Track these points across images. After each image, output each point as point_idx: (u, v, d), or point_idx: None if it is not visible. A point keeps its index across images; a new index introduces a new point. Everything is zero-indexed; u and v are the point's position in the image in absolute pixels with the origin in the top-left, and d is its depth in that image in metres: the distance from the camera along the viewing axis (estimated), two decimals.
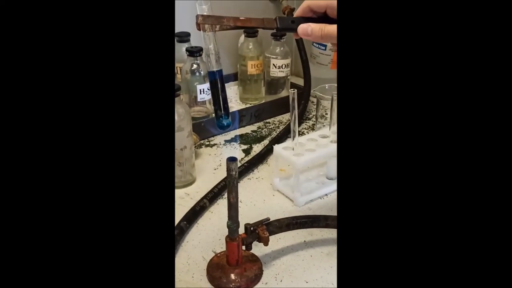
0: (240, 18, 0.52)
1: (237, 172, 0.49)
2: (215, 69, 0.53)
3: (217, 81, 0.54)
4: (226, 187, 0.69)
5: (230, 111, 0.93)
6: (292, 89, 0.61)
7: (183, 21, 0.96)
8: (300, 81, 1.05)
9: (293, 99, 0.61)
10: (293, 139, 0.66)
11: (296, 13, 0.53)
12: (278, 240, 0.59)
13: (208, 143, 0.85)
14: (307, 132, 0.89)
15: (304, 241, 0.60)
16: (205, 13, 0.51)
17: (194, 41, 0.92)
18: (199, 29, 0.51)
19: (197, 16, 0.50)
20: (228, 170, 0.48)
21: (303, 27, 0.50)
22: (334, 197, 0.69)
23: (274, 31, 0.55)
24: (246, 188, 0.71)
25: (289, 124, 0.89)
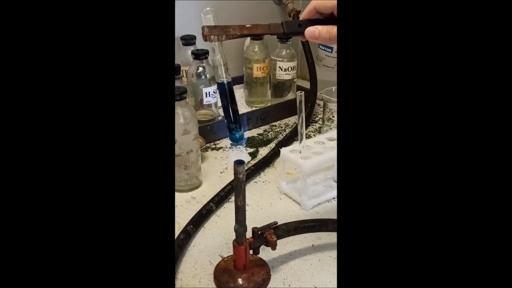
0: (246, 25, 0.51)
1: (244, 175, 0.48)
2: (224, 81, 0.51)
3: (227, 93, 0.53)
4: (233, 191, 0.69)
5: None
6: (299, 92, 0.60)
7: (188, 24, 0.96)
8: (306, 84, 1.04)
9: (300, 101, 0.61)
10: (300, 142, 0.65)
11: (302, 16, 0.52)
12: (286, 244, 0.58)
13: (214, 146, 0.85)
14: (314, 135, 0.88)
15: (312, 245, 0.59)
16: (210, 23, 0.51)
17: (200, 44, 0.92)
18: (205, 40, 0.50)
19: (203, 28, 0.50)
20: (236, 173, 0.47)
21: (310, 30, 0.50)
22: None
23: (282, 36, 0.55)
24: (252, 191, 0.71)
25: (295, 127, 0.89)
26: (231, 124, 0.52)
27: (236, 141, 0.53)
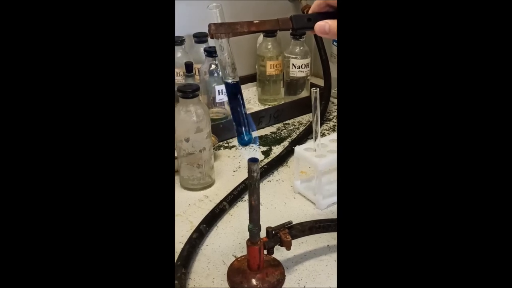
0: (254, 21, 0.50)
1: (258, 174, 0.47)
2: (231, 81, 0.50)
3: (235, 94, 0.51)
4: (246, 190, 0.68)
5: (249, 112, 0.92)
6: (314, 88, 0.59)
7: (200, 21, 0.95)
8: (320, 82, 1.03)
9: (315, 98, 0.59)
10: (315, 140, 0.64)
11: (311, 9, 0.50)
12: (300, 244, 0.57)
13: (226, 144, 0.84)
14: (328, 133, 0.87)
15: (328, 245, 0.58)
16: (216, 18, 0.50)
17: (212, 42, 0.91)
18: (212, 38, 0.49)
19: (209, 25, 0.48)
20: (249, 171, 0.47)
21: (320, 25, 0.47)
22: None
23: (291, 31, 0.53)
24: (266, 190, 0.70)
25: (309, 125, 0.87)
26: (239, 128, 0.50)
27: (245, 145, 0.52)
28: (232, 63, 0.50)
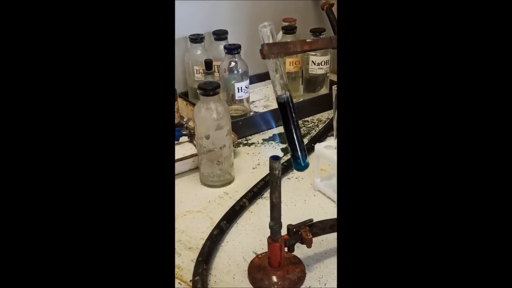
0: (307, 40, 0.49)
1: (280, 172, 0.47)
2: (283, 97, 0.46)
3: (289, 113, 0.47)
4: (266, 187, 0.68)
5: (268, 109, 0.92)
6: (335, 86, 0.59)
7: (221, 19, 0.96)
8: None
9: (337, 95, 0.59)
10: (336, 138, 0.63)
11: None
12: (321, 242, 0.57)
13: (246, 142, 0.84)
14: None
15: None
16: (268, 37, 0.49)
17: (232, 39, 0.91)
18: (264, 58, 0.48)
19: (262, 46, 0.47)
20: (271, 169, 0.47)
21: None
22: None
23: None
24: (286, 188, 0.70)
25: (328, 123, 0.87)
26: (296, 153, 0.46)
27: (301, 170, 0.48)
28: (285, 84, 0.47)
